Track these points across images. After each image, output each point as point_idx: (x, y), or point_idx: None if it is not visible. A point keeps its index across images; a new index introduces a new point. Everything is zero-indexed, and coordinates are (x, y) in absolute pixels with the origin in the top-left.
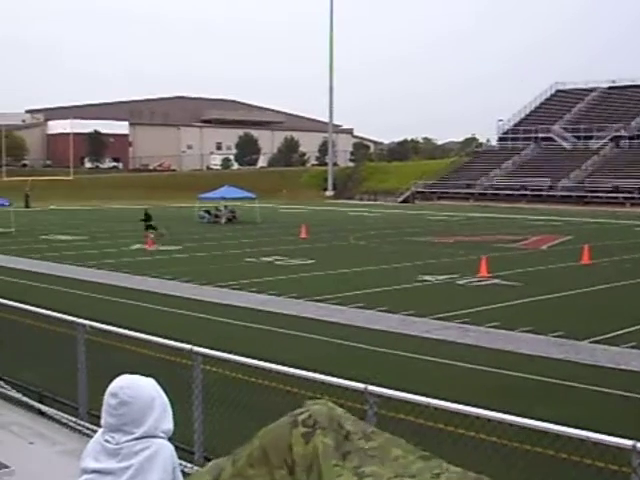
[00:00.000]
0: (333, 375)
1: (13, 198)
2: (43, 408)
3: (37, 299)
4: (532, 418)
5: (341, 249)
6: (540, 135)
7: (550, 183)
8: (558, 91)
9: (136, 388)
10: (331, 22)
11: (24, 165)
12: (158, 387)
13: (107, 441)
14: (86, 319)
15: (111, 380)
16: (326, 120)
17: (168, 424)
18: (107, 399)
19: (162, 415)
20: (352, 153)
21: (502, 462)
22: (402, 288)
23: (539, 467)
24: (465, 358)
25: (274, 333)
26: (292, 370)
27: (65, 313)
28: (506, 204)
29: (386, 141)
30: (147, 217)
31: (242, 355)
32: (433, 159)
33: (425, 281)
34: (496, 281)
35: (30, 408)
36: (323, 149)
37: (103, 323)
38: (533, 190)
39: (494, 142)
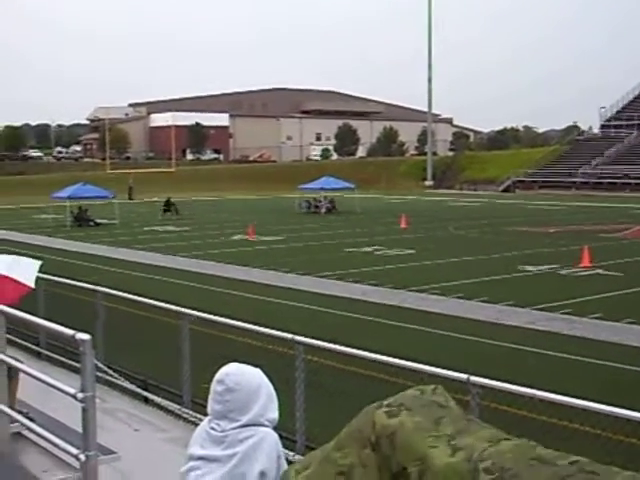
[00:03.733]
0: (434, 365)
1: (117, 190)
2: (148, 396)
3: (142, 289)
4: None
5: (441, 239)
6: None
7: None
8: None
9: (242, 375)
10: (429, 10)
11: (127, 157)
12: (264, 376)
13: (213, 428)
14: (190, 309)
15: (214, 369)
16: (425, 109)
17: (273, 413)
18: (214, 386)
19: (267, 403)
20: (452, 142)
21: (606, 455)
22: (503, 278)
23: None
24: (571, 350)
25: (374, 323)
26: (393, 359)
27: (170, 303)
28: (608, 193)
29: (486, 130)
30: (168, 204)
31: (343, 344)
32: (534, 148)
33: (526, 271)
34: (599, 271)
35: (135, 395)
36: (422, 139)
37: (207, 313)
38: (637, 178)
39: (596, 130)
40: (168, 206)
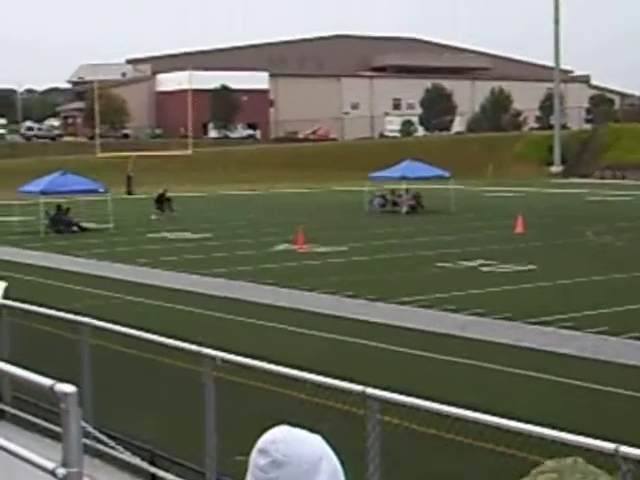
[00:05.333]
0: (567, 431)
1: (111, 182)
2: (157, 472)
3: (146, 320)
4: None
5: (574, 249)
6: None
7: None
8: None
9: (295, 444)
10: None
11: (125, 135)
12: (325, 445)
13: None
14: (215, 349)
15: (252, 435)
16: (550, 64)
17: None
18: (254, 459)
19: None
20: (589, 111)
21: None
22: None
23: None
24: None
25: (481, 370)
26: (509, 423)
27: (187, 341)
28: None
29: (638, 92)
30: (161, 200)
31: (435, 401)
32: None
33: None
34: None
35: (139, 472)
36: (546, 106)
37: (237, 354)
38: None
39: None
40: (161, 203)
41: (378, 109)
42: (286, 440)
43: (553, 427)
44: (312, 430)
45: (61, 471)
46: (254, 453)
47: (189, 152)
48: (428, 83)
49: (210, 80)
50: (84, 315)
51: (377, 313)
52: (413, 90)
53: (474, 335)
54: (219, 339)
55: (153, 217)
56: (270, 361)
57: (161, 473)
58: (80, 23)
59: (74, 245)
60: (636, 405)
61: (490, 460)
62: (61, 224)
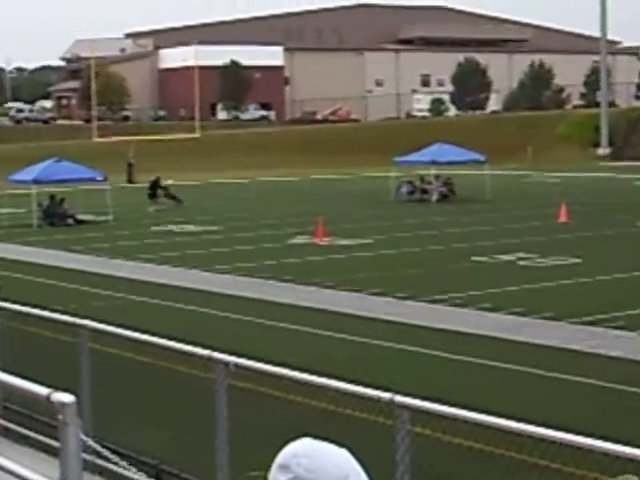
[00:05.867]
0: (626, 444)
1: (110, 169)
2: None
3: (151, 322)
4: None
5: (623, 241)
6: None
7: None
8: None
9: (319, 459)
10: None
11: (125, 118)
12: (353, 460)
13: None
14: (227, 353)
15: (270, 448)
16: (596, 34)
17: None
18: (274, 475)
19: None
20: (639, 86)
21: None
22: None
23: None
24: None
25: (523, 376)
26: (563, 436)
27: (196, 344)
28: None
29: None
30: (155, 187)
31: (472, 410)
32: None
33: None
34: None
35: None
36: (592, 81)
37: (253, 359)
38: None
39: None
40: (154, 190)
41: (405, 86)
42: (309, 454)
43: (608, 439)
44: (337, 443)
45: None
46: (273, 469)
47: (197, 135)
48: (460, 57)
49: (219, 55)
50: (82, 317)
51: (406, 312)
52: (444, 65)
53: (513, 337)
54: (232, 343)
55: (150, 210)
56: (288, 367)
57: None
58: None
59: (70, 239)
60: None
61: (517, 469)
62: (55, 216)
